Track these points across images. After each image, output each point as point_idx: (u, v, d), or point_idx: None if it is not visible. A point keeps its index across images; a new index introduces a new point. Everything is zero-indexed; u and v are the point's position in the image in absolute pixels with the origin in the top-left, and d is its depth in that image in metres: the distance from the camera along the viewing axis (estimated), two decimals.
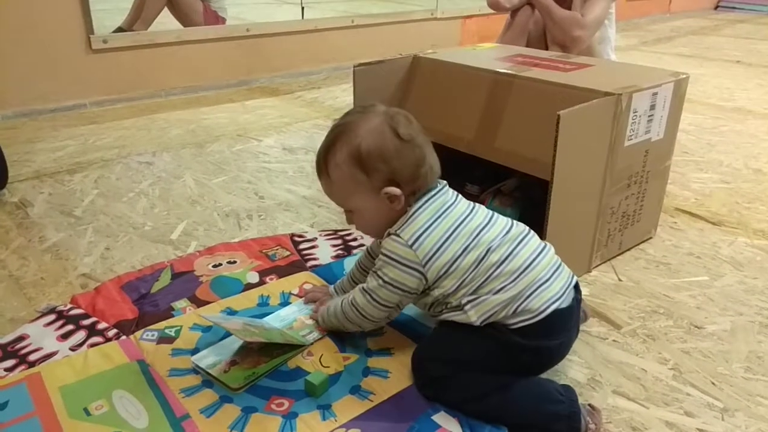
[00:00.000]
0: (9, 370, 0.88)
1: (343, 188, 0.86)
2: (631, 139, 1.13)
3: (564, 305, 0.81)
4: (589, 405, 0.81)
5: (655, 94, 1.14)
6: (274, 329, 0.95)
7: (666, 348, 0.98)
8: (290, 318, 1.00)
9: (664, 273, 1.20)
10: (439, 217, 0.83)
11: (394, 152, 0.82)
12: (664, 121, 1.19)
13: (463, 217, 0.84)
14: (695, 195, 1.57)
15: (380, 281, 0.84)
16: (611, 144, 1.10)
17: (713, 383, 0.90)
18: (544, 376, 0.86)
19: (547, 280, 0.81)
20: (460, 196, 0.88)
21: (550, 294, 0.80)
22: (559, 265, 0.85)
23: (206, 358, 0.90)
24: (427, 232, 0.82)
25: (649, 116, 1.15)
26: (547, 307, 0.79)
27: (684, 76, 1.20)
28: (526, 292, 0.80)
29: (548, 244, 0.87)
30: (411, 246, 0.81)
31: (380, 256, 0.84)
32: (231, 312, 1.03)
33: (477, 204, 0.88)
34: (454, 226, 0.83)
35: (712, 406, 0.86)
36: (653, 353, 0.96)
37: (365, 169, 0.82)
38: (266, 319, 1.00)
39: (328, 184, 0.87)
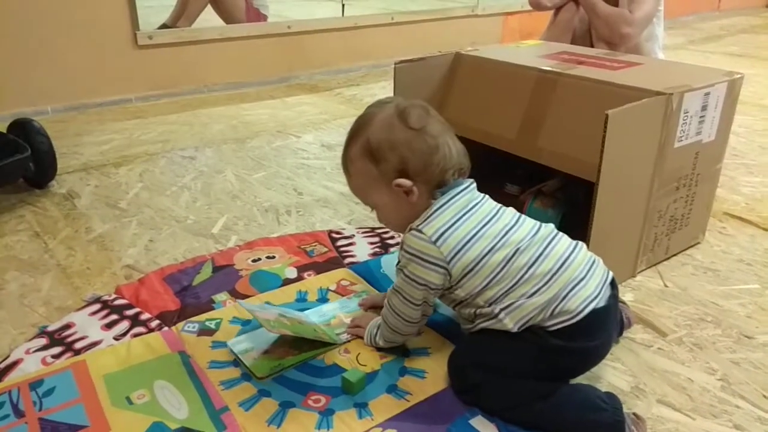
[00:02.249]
0: (56, 357, 0.91)
1: (361, 183, 0.86)
2: (682, 141, 1.10)
3: (601, 304, 0.79)
4: (634, 414, 0.78)
5: (707, 94, 1.10)
6: (309, 323, 0.95)
7: (714, 358, 0.94)
8: (330, 314, 1.00)
9: (713, 280, 1.16)
10: (464, 214, 0.81)
11: (403, 142, 0.81)
12: (716, 123, 1.15)
13: (489, 217, 0.82)
14: (745, 199, 1.51)
15: (405, 278, 0.83)
16: (660, 145, 1.06)
17: (765, 396, 0.86)
18: (586, 383, 0.84)
19: (582, 279, 0.79)
20: (486, 196, 0.86)
21: (587, 293, 0.78)
22: (593, 261, 0.82)
23: (241, 344, 0.92)
24: (452, 228, 0.80)
25: (700, 117, 1.11)
26: (585, 307, 0.77)
27: (738, 76, 1.15)
28: (562, 293, 0.78)
29: (580, 242, 0.84)
30: (435, 242, 0.80)
31: (402, 252, 0.83)
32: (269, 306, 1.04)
33: (503, 206, 0.86)
34: (480, 226, 0.81)
35: (763, 420, 0.82)
36: (700, 362, 0.93)
37: (375, 161, 0.82)
38: (306, 312, 1.00)
39: (350, 180, 0.88)
